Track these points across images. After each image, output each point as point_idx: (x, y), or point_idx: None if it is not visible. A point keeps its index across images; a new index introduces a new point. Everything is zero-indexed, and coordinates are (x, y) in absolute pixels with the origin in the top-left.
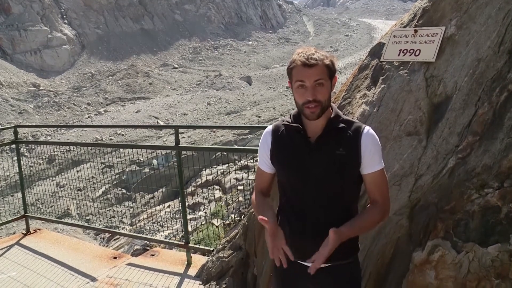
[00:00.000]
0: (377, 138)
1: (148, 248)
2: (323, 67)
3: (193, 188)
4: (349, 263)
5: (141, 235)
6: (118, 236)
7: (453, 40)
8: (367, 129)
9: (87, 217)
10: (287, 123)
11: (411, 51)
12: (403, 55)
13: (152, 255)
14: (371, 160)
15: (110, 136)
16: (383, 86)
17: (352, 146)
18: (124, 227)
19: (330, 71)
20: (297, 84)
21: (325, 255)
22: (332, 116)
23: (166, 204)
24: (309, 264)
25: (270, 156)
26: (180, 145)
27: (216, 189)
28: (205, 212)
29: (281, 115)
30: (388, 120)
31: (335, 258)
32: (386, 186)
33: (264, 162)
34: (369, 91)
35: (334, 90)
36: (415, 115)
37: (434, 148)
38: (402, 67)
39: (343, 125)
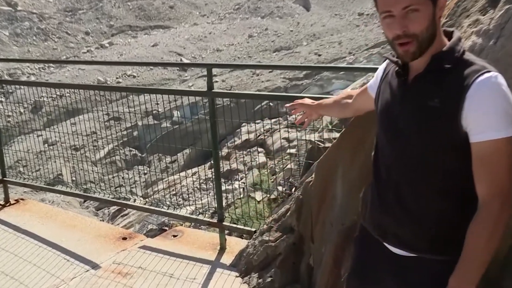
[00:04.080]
0: (504, 90)
1: (167, 227)
2: None
3: (228, 150)
4: (442, 261)
5: (160, 209)
6: (126, 212)
7: None
8: (487, 76)
9: (86, 186)
10: (391, 56)
11: None
12: None
13: (174, 236)
14: (479, 123)
15: (117, 77)
16: (507, 7)
17: (454, 98)
18: (135, 199)
19: None
20: (384, 14)
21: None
22: (443, 50)
23: (193, 170)
24: (390, 247)
25: (374, 99)
26: (214, 91)
27: (259, 152)
28: (244, 183)
29: (350, 53)
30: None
31: (425, 249)
32: (503, 169)
33: (371, 85)
34: (483, 15)
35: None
36: None
37: None
38: None
39: (449, 65)
